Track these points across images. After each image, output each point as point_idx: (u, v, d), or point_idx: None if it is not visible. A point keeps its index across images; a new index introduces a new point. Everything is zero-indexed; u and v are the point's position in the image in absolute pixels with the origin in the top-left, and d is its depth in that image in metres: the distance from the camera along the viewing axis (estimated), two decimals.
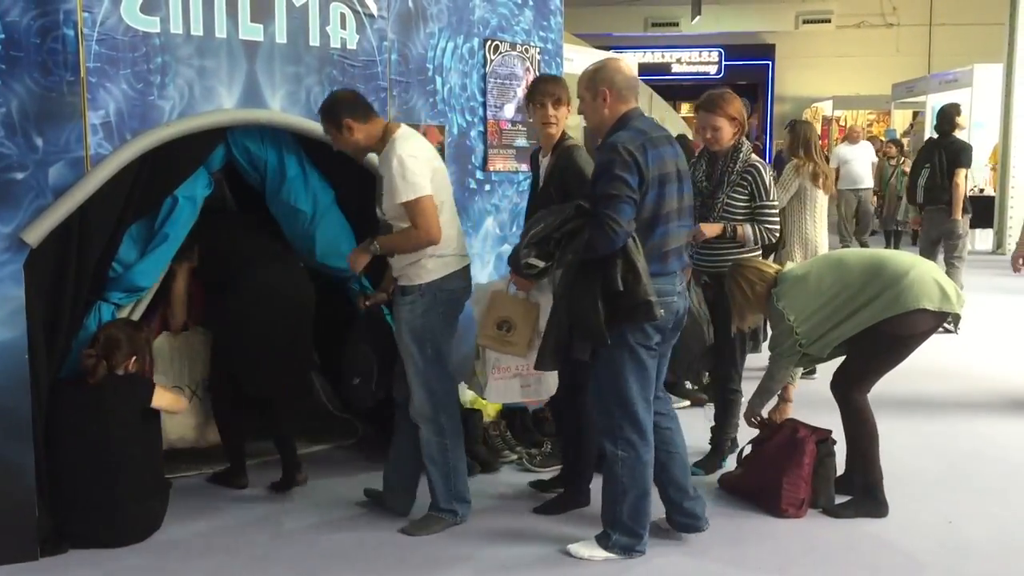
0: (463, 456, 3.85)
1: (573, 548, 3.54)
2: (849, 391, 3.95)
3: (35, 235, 3.35)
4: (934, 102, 15.53)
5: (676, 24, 20.95)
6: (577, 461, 4.01)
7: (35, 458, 3.42)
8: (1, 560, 3.38)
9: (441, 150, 4.52)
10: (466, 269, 3.77)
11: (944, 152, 7.97)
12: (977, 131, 13.75)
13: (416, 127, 4.38)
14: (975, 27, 18.37)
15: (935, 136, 8.44)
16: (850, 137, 12.92)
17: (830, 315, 3.85)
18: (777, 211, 4.33)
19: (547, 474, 4.36)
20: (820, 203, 5.96)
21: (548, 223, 3.34)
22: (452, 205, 3.75)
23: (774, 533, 3.79)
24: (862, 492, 3.97)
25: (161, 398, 3.73)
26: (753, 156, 4.28)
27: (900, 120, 18.28)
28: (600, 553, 3.49)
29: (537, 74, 5.02)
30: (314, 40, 4.01)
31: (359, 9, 4.15)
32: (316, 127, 3.99)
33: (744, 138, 4.29)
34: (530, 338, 3.83)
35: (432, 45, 4.46)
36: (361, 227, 4.36)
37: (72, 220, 3.44)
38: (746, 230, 4.22)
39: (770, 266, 4.13)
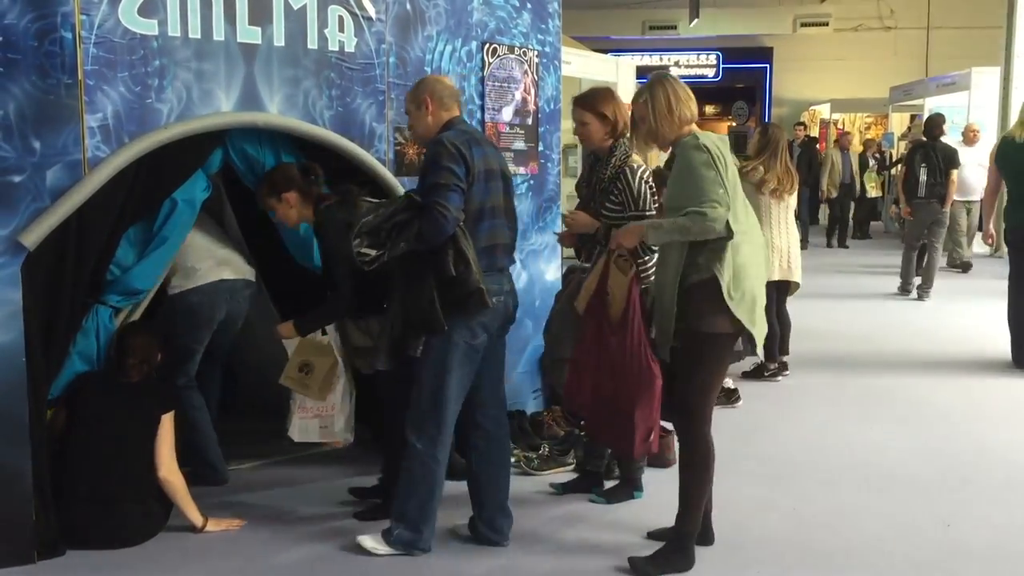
0: (204, 428, 4.21)
1: (360, 539, 3.58)
2: (694, 415, 3.42)
3: (32, 238, 3.34)
4: (932, 105, 15.56)
5: (674, 27, 20.99)
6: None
7: (32, 461, 3.41)
8: None
9: None
10: (227, 283, 4.20)
11: (939, 155, 9.50)
12: None
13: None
14: (972, 30, 18.41)
15: (923, 140, 9.91)
16: (966, 138, 11.51)
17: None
18: None
19: (542, 475, 4.38)
20: (774, 208, 6.13)
21: (378, 214, 3.39)
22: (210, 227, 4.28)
23: (772, 536, 3.79)
24: (673, 542, 3.48)
25: (168, 426, 3.73)
26: (632, 160, 3.92)
27: (898, 123, 18.31)
28: (383, 547, 3.53)
29: (535, 77, 5.03)
30: (312, 43, 4.00)
31: (357, 12, 4.15)
32: (314, 130, 4.00)
33: (624, 140, 3.93)
34: (324, 382, 4.04)
35: (430, 48, 4.46)
36: None
37: (70, 223, 3.43)
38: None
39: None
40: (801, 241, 10.09)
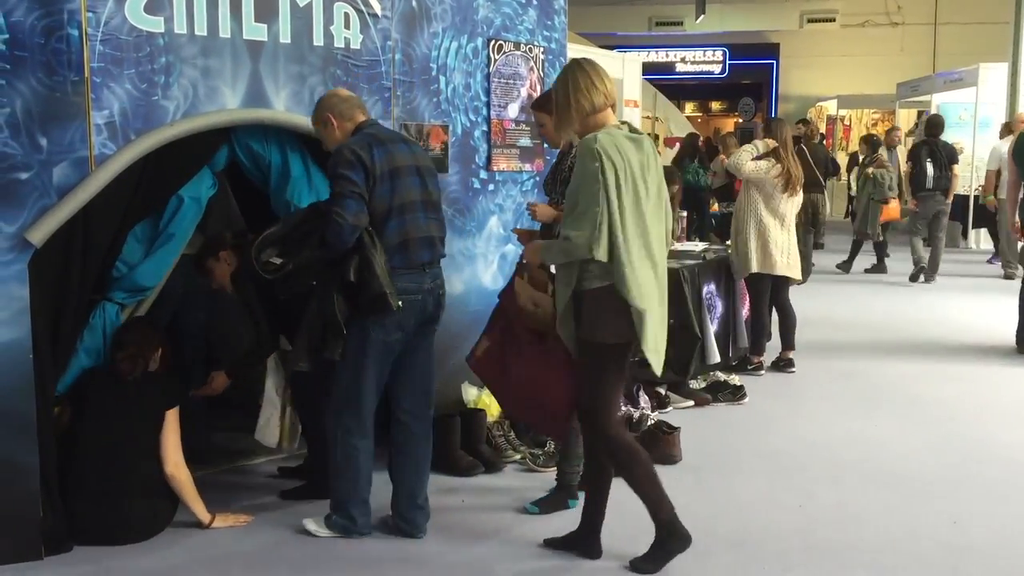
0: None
1: (305, 522, 3.75)
2: (598, 422, 3.40)
3: (39, 235, 3.35)
4: (939, 101, 15.50)
5: (680, 23, 20.95)
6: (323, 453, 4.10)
7: (40, 458, 3.42)
8: (6, 559, 3.39)
9: (445, 150, 4.53)
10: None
11: (943, 151, 10.46)
12: (982, 130, 13.72)
13: (420, 127, 4.40)
14: (980, 26, 18.34)
15: (926, 138, 10.88)
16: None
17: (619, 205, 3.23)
18: None
19: (547, 472, 4.38)
20: (783, 203, 6.18)
21: (286, 223, 3.57)
22: None
23: (777, 533, 3.78)
24: (662, 532, 3.43)
25: (173, 421, 3.74)
26: None
27: (905, 119, 18.23)
28: (324, 531, 3.70)
29: (541, 74, 5.03)
30: (318, 40, 4.01)
31: (363, 9, 4.15)
32: None
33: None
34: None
35: (436, 45, 4.46)
36: None
37: (76, 220, 3.44)
38: None
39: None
40: (816, 244, 10.72)
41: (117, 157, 3.48)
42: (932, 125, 10.88)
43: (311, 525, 3.73)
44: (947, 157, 10.36)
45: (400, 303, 3.46)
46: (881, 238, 11.23)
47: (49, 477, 3.48)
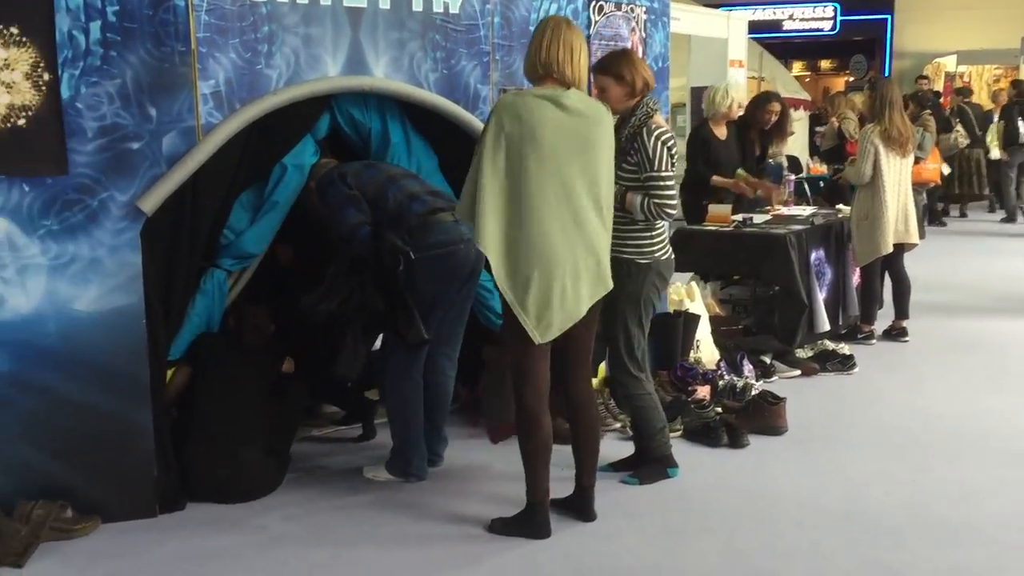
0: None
1: (365, 468, 4.02)
2: (515, 384, 3.37)
3: (150, 203, 3.44)
4: None
5: None
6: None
7: (153, 418, 3.55)
8: (122, 516, 3.53)
9: None
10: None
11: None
12: None
13: (519, 90, 4.34)
14: None
15: (1016, 99, 12.32)
16: None
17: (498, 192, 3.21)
18: (670, 185, 3.67)
19: None
20: (890, 164, 5.91)
21: (315, 294, 3.79)
22: None
23: (889, 508, 3.65)
24: (527, 512, 3.42)
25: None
26: (652, 121, 3.68)
27: None
28: (383, 474, 3.96)
29: (643, 34, 4.91)
30: (417, 5, 3.99)
31: None
32: (419, 93, 4.00)
33: (648, 100, 3.72)
34: None
35: (535, 7, 4.39)
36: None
37: (185, 188, 3.53)
38: (634, 199, 3.66)
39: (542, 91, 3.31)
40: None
41: (223, 126, 3.54)
42: (1021, 87, 12.75)
43: (369, 472, 3.98)
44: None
45: (409, 250, 3.66)
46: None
47: (163, 437, 3.61)
